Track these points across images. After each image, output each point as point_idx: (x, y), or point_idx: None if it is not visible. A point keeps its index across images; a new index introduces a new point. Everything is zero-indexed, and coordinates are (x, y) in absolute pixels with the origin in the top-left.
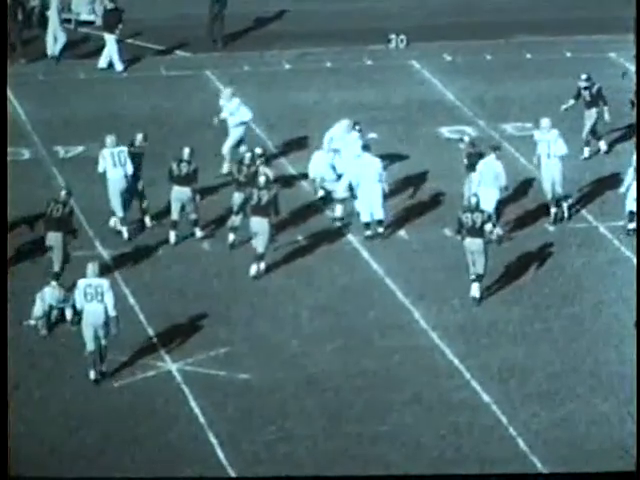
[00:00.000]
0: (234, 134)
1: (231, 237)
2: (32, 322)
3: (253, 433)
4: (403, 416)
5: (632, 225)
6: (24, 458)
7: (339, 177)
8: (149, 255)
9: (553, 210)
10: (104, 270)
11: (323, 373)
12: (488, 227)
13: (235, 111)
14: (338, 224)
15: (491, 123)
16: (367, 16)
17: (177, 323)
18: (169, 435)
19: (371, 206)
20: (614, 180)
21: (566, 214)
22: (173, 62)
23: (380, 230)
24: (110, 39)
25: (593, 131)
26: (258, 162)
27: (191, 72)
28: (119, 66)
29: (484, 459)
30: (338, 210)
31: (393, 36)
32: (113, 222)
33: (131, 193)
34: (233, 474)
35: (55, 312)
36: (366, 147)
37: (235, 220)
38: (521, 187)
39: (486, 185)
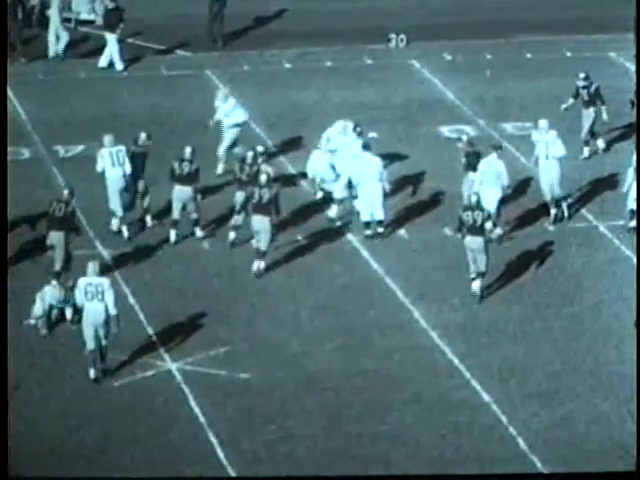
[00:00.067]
0: (229, 135)
1: (232, 236)
2: (32, 321)
3: (253, 432)
4: (403, 415)
5: (633, 223)
6: (24, 458)
7: (338, 177)
8: (149, 254)
9: (553, 211)
10: (104, 269)
11: (323, 372)
12: (488, 225)
13: (230, 112)
14: (335, 224)
15: (491, 122)
16: (367, 15)
17: (177, 322)
18: (169, 434)
19: (371, 205)
20: (614, 179)
21: (566, 214)
22: (173, 61)
23: (380, 230)
24: (111, 38)
25: (592, 131)
26: (260, 160)
27: (192, 71)
28: (120, 65)
29: (484, 458)
30: (334, 210)
31: (393, 35)
32: (115, 225)
33: (131, 192)
34: (233, 473)
35: (55, 312)
36: (366, 146)
37: (237, 219)
38: (521, 186)
39: (488, 184)
